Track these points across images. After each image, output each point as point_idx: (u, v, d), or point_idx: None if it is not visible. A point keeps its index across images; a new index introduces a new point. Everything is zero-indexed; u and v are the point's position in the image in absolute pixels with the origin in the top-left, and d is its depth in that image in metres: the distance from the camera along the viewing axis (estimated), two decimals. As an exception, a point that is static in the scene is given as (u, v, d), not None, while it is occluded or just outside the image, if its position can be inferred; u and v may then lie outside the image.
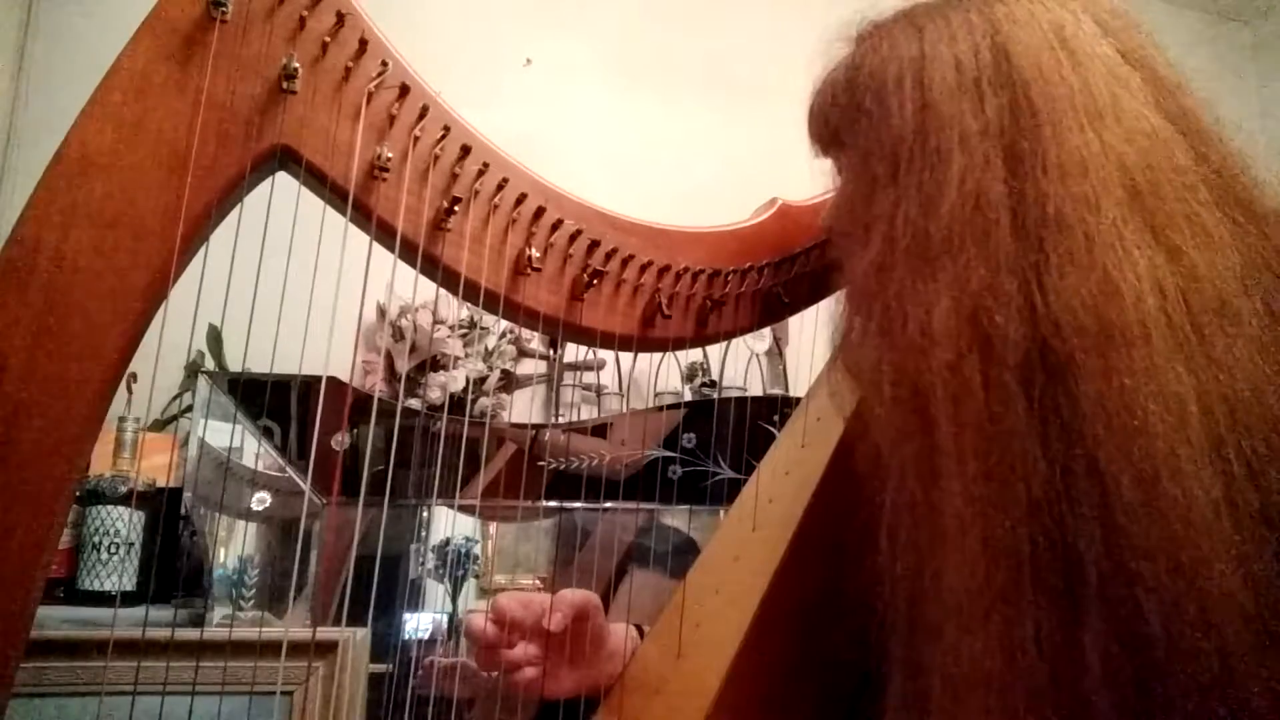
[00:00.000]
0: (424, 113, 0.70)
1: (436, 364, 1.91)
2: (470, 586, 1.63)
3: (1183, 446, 0.52)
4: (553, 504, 1.59)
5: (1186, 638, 0.51)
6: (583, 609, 0.84)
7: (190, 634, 1.28)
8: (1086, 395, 0.55)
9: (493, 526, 1.68)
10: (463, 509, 1.56)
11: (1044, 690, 0.53)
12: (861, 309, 0.70)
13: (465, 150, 0.72)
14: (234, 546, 1.49)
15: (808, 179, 0.81)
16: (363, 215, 0.69)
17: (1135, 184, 0.59)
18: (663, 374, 2.07)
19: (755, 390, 2.09)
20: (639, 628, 0.90)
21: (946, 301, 0.59)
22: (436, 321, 1.90)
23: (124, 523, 1.41)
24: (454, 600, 1.58)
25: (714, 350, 2.03)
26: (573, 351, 2.01)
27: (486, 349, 1.98)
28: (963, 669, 0.55)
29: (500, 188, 0.73)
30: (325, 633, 1.27)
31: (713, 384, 2.07)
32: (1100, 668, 0.52)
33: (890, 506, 0.62)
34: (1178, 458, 0.52)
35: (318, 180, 0.67)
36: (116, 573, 1.40)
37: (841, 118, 0.71)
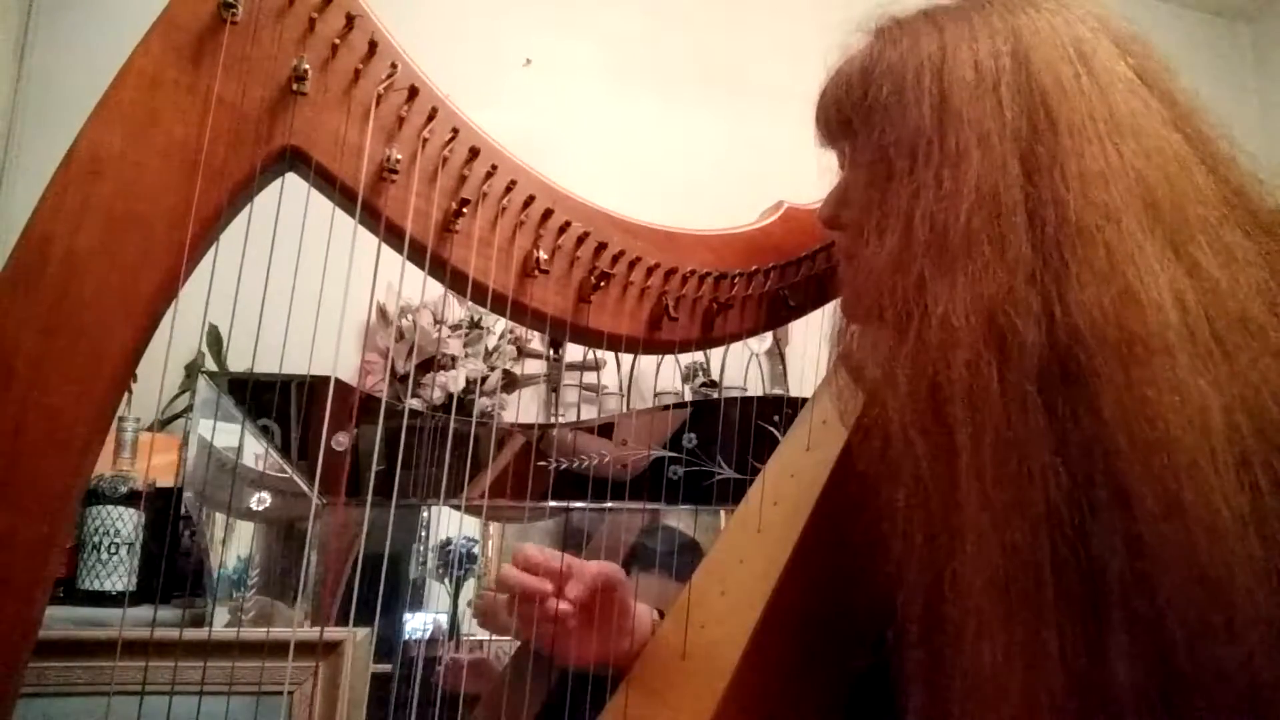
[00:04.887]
0: (433, 115, 0.70)
1: (437, 364, 1.91)
2: (471, 586, 1.63)
3: (1205, 459, 0.52)
4: (555, 504, 1.59)
5: (1212, 652, 0.51)
6: (609, 581, 0.84)
7: (190, 634, 1.27)
8: (1108, 406, 0.55)
9: (494, 527, 1.68)
10: (465, 509, 1.56)
11: (1066, 701, 0.53)
12: (870, 306, 0.70)
13: (474, 152, 0.72)
14: (234, 546, 1.49)
15: (813, 181, 0.81)
16: (371, 217, 0.69)
17: (1155, 200, 0.59)
18: (662, 374, 2.07)
19: (755, 390, 2.09)
20: (661, 612, 0.90)
21: (965, 301, 0.59)
22: (437, 322, 1.90)
23: (124, 523, 1.41)
24: (455, 600, 1.58)
25: (714, 350, 2.03)
26: (572, 351, 2.01)
27: (487, 349, 1.99)
28: (984, 674, 0.55)
29: (509, 189, 0.73)
30: (326, 633, 1.27)
31: (712, 384, 2.07)
32: (1127, 682, 0.52)
33: (905, 506, 0.62)
34: (1200, 470, 0.52)
35: (327, 182, 0.67)
36: (116, 573, 1.39)
37: (855, 108, 0.71)
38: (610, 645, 0.84)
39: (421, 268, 0.71)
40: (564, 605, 0.81)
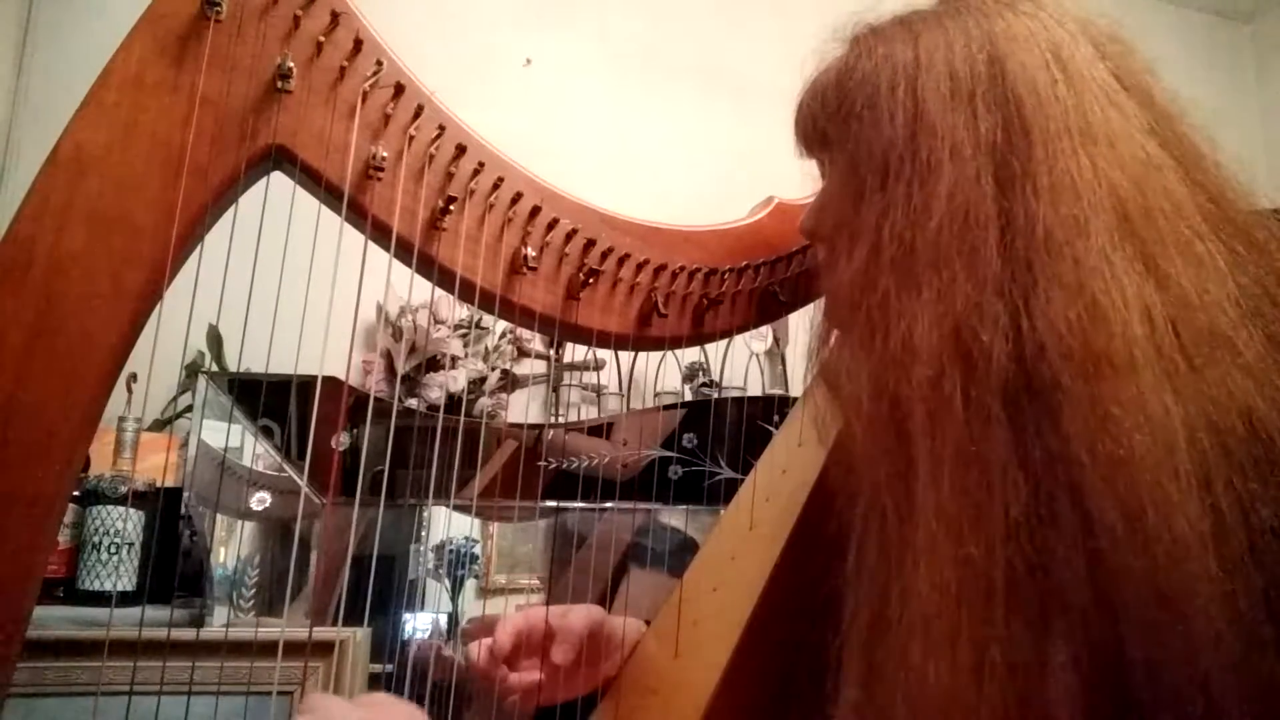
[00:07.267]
0: (419, 112, 0.70)
1: (436, 364, 1.91)
2: (470, 586, 1.63)
3: (1169, 478, 0.51)
4: (552, 504, 1.59)
5: (1169, 673, 0.50)
6: (595, 627, 0.83)
7: (189, 634, 1.28)
8: (1071, 422, 0.54)
9: (492, 526, 1.68)
10: (462, 509, 1.56)
11: (1010, 717, 0.53)
12: (842, 318, 0.69)
13: (461, 149, 0.72)
14: (233, 546, 1.49)
15: (805, 178, 0.81)
16: (358, 215, 0.69)
17: (1126, 209, 0.58)
18: (663, 374, 2.07)
19: (755, 390, 2.09)
20: (649, 623, 0.90)
21: (930, 316, 0.58)
22: (436, 321, 1.90)
23: (124, 523, 1.41)
24: (454, 600, 1.58)
25: (714, 350, 2.03)
26: (573, 351, 2.01)
27: (486, 349, 1.98)
28: (927, 689, 0.54)
29: (496, 186, 0.73)
30: (324, 632, 1.27)
31: (712, 384, 2.06)
32: (1080, 703, 0.52)
33: (862, 519, 0.62)
34: (1163, 489, 0.51)
35: (313, 180, 0.67)
36: (116, 573, 1.40)
37: (830, 120, 0.70)
38: (596, 673, 0.84)
39: (409, 265, 0.71)
40: (530, 677, 0.81)
